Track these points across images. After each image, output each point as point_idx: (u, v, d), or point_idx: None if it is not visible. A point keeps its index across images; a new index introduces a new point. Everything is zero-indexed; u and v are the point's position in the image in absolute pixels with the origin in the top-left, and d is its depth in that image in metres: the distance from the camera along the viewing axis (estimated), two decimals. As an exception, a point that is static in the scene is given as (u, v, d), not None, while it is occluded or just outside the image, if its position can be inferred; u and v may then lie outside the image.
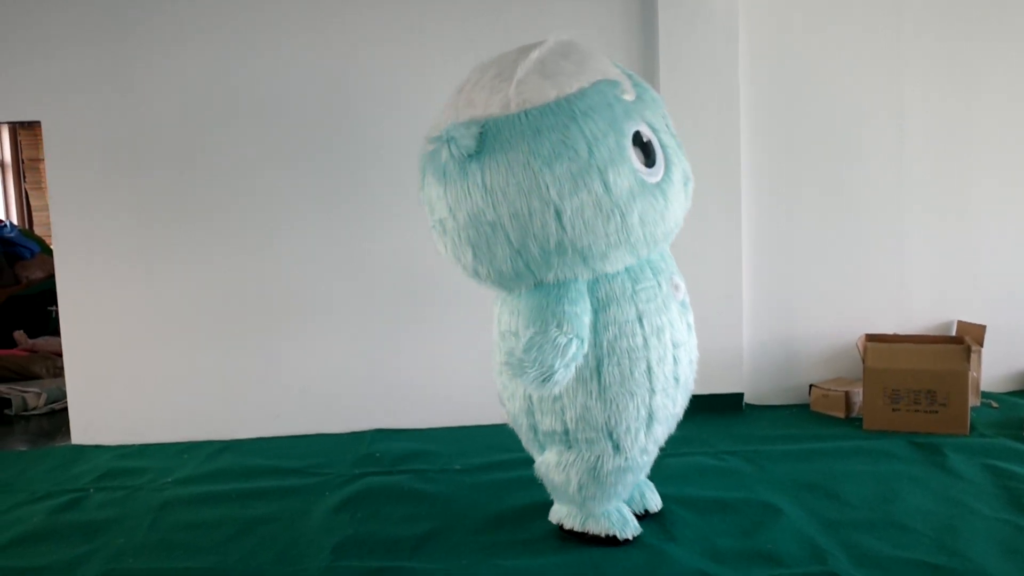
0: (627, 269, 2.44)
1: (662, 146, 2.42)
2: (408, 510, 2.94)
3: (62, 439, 3.94)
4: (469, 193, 2.31)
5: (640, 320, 2.42)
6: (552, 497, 2.73)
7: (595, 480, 2.53)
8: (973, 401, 3.79)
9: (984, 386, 4.09)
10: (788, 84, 4.02)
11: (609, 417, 2.45)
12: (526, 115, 2.26)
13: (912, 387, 3.60)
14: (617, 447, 2.49)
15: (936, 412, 3.57)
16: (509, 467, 3.18)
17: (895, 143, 4.08)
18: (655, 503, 2.80)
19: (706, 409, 3.82)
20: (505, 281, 2.44)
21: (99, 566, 2.59)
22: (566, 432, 2.50)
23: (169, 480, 3.33)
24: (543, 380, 2.28)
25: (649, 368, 2.44)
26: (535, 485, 2.80)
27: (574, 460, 2.53)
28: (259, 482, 3.27)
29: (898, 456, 3.31)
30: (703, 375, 3.89)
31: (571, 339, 2.30)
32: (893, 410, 3.62)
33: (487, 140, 2.27)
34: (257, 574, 2.50)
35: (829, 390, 3.93)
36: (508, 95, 2.30)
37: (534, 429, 2.59)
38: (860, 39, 4.03)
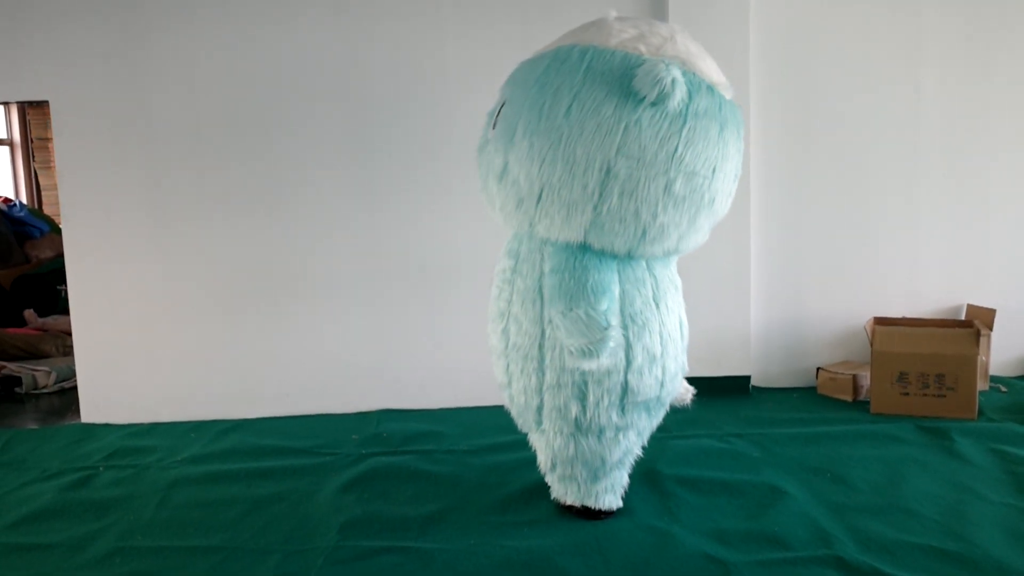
0: None
1: None
2: (415, 490, 2.95)
3: (72, 417, 3.97)
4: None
5: None
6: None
7: None
8: (981, 385, 3.78)
9: (993, 370, 4.08)
10: (799, 60, 3.98)
11: None
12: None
13: (920, 371, 3.59)
14: None
15: (944, 396, 3.56)
16: (515, 448, 3.18)
17: (909, 124, 4.04)
18: None
19: (713, 391, 3.82)
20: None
21: (109, 543, 2.62)
22: None
23: (178, 459, 3.35)
24: None
25: None
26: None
27: None
28: (267, 462, 3.28)
29: (905, 440, 3.30)
30: (710, 357, 3.91)
31: None
32: (901, 394, 3.61)
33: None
34: (265, 553, 2.52)
35: (837, 373, 3.92)
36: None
37: None
38: (876, 16, 3.98)
